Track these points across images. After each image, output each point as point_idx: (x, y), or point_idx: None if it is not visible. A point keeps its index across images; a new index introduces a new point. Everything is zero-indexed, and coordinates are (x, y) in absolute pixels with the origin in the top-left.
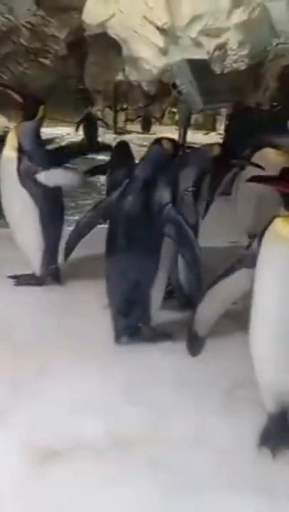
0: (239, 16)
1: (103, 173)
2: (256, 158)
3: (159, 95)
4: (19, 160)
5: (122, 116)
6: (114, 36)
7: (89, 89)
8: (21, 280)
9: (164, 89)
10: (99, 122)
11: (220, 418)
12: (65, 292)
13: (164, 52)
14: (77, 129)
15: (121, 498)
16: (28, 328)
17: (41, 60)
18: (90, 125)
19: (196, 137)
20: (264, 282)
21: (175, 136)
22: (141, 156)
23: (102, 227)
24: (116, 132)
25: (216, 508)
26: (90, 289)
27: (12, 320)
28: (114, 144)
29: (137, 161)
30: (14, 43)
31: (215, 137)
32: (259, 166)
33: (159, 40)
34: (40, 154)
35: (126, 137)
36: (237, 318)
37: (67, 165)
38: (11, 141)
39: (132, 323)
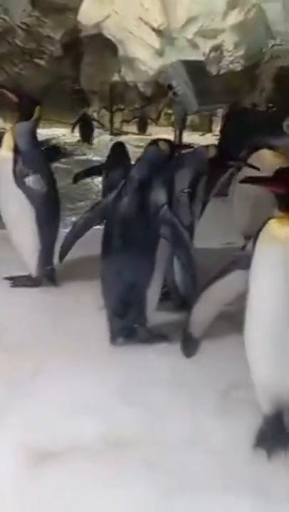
0: (235, 17)
1: (99, 174)
2: (253, 159)
3: (155, 96)
4: (15, 161)
5: (118, 117)
6: (109, 37)
7: (85, 90)
8: (17, 281)
9: (160, 90)
10: (95, 123)
11: (216, 419)
12: (61, 293)
13: (160, 53)
14: (73, 130)
15: (117, 499)
16: (23, 329)
17: (37, 60)
18: (86, 126)
19: (192, 138)
20: (259, 283)
21: (171, 137)
22: (137, 157)
23: (98, 228)
24: (112, 133)
25: (212, 509)
26: (85, 290)
27: (8, 321)
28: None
29: (133, 162)
30: (9, 43)
31: (211, 138)
32: (255, 168)
33: (155, 42)
34: (36, 155)
35: (122, 138)
36: (232, 319)
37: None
38: (8, 142)
39: (128, 324)
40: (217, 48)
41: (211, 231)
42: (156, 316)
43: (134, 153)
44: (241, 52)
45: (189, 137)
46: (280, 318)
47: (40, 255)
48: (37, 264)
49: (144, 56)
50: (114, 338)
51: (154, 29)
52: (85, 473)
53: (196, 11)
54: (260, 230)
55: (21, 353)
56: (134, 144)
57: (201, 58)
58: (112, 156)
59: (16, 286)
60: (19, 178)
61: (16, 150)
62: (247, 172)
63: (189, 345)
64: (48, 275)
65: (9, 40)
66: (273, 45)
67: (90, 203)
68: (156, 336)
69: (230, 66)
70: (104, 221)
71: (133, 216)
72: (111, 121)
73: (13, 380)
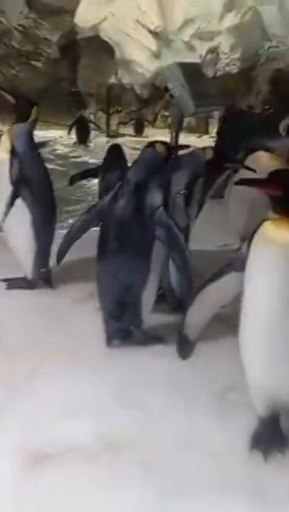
0: (231, 19)
1: (95, 176)
2: (249, 161)
3: (152, 98)
4: (11, 163)
5: (114, 120)
6: (106, 39)
7: (81, 92)
8: (13, 283)
9: (156, 92)
10: (91, 125)
11: (211, 421)
12: (57, 295)
13: (156, 55)
14: (69, 132)
15: (113, 501)
16: (19, 331)
17: (33, 62)
18: (83, 128)
19: (188, 140)
20: (253, 285)
21: (168, 139)
22: (134, 159)
23: (94, 230)
24: (109, 135)
25: (208, 511)
26: (81, 292)
27: (4, 323)
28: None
29: (129, 164)
30: (6, 45)
31: (208, 140)
32: (252, 170)
33: (152, 44)
34: (32, 157)
35: (119, 140)
36: (227, 321)
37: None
38: (5, 143)
39: (124, 326)
40: (213, 50)
41: (207, 233)
42: (151, 318)
43: (130, 155)
44: (237, 55)
45: (186, 139)
46: (274, 320)
47: (36, 257)
48: (32, 266)
49: (140, 58)
50: (110, 340)
51: (150, 31)
52: (81, 475)
53: (192, 14)
54: (254, 232)
55: (18, 355)
56: (131, 146)
57: (198, 60)
58: (108, 158)
59: (11, 289)
60: (15, 180)
61: (13, 152)
62: (243, 174)
63: (185, 347)
64: (44, 277)
65: (6, 42)
66: (269, 48)
67: (87, 205)
68: (152, 337)
69: (227, 68)
70: (101, 223)
71: (129, 218)
72: (108, 124)
73: (10, 382)
